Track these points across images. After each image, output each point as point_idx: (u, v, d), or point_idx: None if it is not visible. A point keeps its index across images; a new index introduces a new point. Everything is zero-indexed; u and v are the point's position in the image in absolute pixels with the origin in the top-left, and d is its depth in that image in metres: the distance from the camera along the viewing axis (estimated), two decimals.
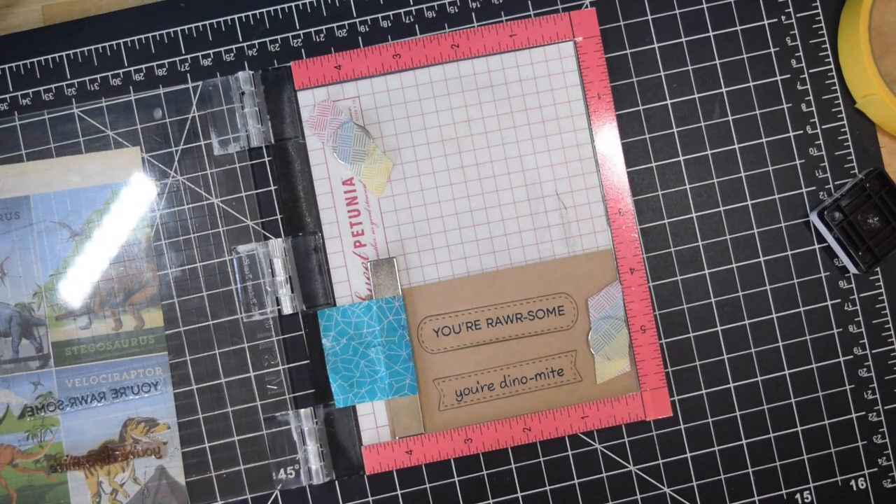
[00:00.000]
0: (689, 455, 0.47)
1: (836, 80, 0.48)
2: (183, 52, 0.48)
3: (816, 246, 0.48)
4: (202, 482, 0.46)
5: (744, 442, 0.47)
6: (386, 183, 0.47)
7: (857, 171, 0.48)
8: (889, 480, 0.48)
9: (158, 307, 0.47)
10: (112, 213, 0.47)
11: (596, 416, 0.46)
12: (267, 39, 0.48)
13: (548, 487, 0.47)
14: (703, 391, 0.48)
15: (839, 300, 0.48)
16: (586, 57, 0.47)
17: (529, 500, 0.47)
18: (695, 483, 0.47)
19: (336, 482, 0.47)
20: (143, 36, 0.48)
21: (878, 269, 0.48)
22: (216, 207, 0.47)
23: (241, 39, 0.48)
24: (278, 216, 0.47)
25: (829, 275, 0.48)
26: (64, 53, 0.48)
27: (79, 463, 0.46)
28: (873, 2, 0.46)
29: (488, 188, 0.47)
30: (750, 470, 0.47)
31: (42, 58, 0.48)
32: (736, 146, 0.48)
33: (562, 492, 0.47)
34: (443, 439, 0.46)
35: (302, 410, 0.46)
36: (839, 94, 0.48)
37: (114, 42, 0.48)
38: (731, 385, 0.48)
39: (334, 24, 0.48)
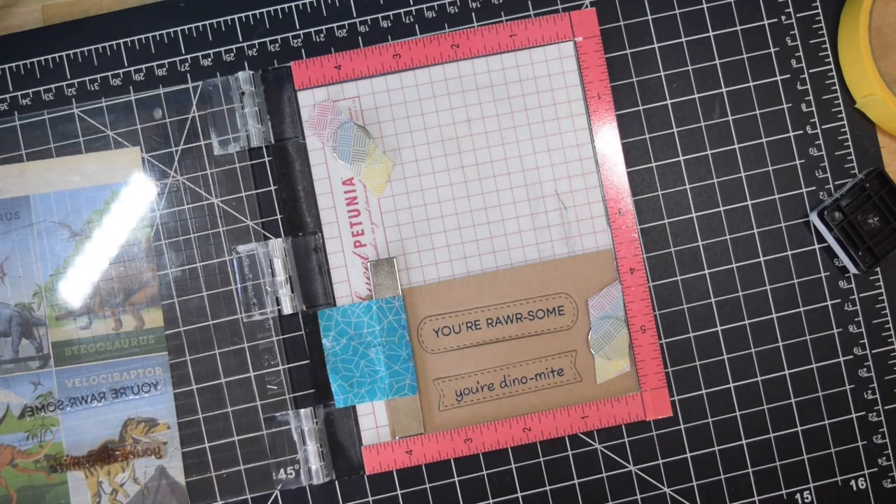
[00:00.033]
0: (689, 455, 0.47)
1: (836, 80, 0.48)
2: (183, 52, 0.48)
3: (816, 246, 0.48)
4: (202, 482, 0.46)
5: (744, 442, 0.47)
6: (386, 183, 0.47)
7: (857, 171, 0.48)
8: (889, 480, 0.48)
9: (158, 307, 0.47)
10: (112, 213, 0.47)
11: (596, 416, 0.46)
12: (267, 39, 0.48)
13: (548, 487, 0.47)
14: (703, 391, 0.48)
15: (839, 300, 0.48)
16: (586, 57, 0.47)
17: (529, 500, 0.47)
18: (695, 483, 0.47)
19: (336, 482, 0.47)
20: (143, 36, 0.48)
21: (878, 269, 0.48)
22: (216, 207, 0.47)
23: (241, 39, 0.48)
24: (278, 216, 0.47)
25: (829, 275, 0.48)
26: (64, 53, 0.48)
27: (79, 463, 0.46)
28: (873, 2, 0.46)
29: (488, 188, 0.47)
30: (750, 470, 0.47)
31: (42, 58, 0.48)
32: (736, 146, 0.48)
33: (562, 492, 0.47)
34: (443, 439, 0.46)
35: (302, 410, 0.46)
36: (839, 94, 0.48)
37: (114, 42, 0.48)
38: (731, 385, 0.48)
39: (334, 24, 0.48)
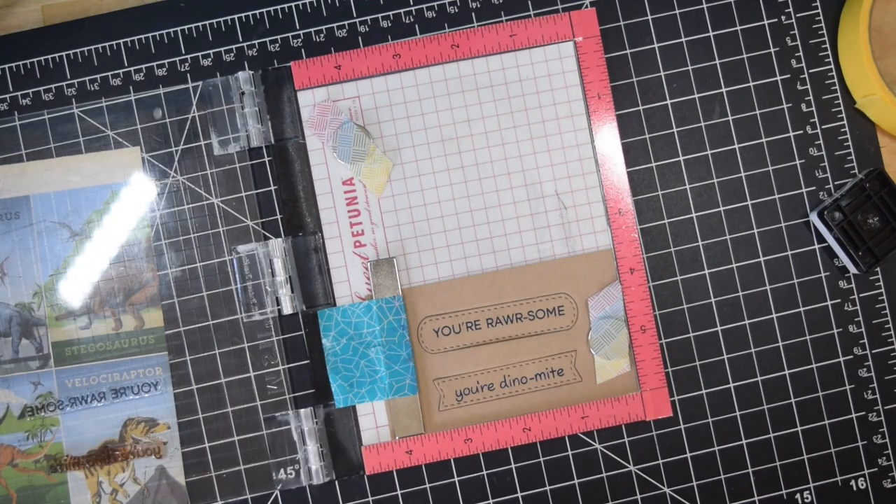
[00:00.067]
0: (689, 455, 0.47)
1: (836, 80, 0.48)
2: (183, 52, 0.48)
3: (816, 246, 0.48)
4: (202, 482, 0.46)
5: (744, 442, 0.47)
6: (386, 183, 0.47)
7: (857, 171, 0.48)
8: (889, 480, 0.48)
9: (158, 307, 0.47)
10: (112, 213, 0.47)
11: (596, 416, 0.46)
12: (267, 39, 0.48)
13: (548, 487, 0.47)
14: (703, 391, 0.48)
15: (839, 300, 0.48)
16: (586, 57, 0.47)
17: (529, 500, 0.47)
18: (695, 483, 0.47)
19: (336, 482, 0.47)
20: (143, 36, 0.48)
21: (878, 269, 0.48)
22: (216, 207, 0.47)
23: (241, 39, 0.48)
24: (278, 216, 0.47)
25: (829, 275, 0.48)
26: (64, 53, 0.48)
27: (79, 463, 0.46)
28: (873, 2, 0.46)
29: (488, 188, 0.47)
30: (750, 470, 0.47)
31: (42, 58, 0.48)
32: (736, 146, 0.48)
33: (562, 492, 0.47)
34: (443, 439, 0.46)
35: (302, 410, 0.46)
36: (839, 94, 0.48)
37: (114, 42, 0.48)
38: (731, 385, 0.48)
39: (334, 24, 0.48)
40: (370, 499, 0.47)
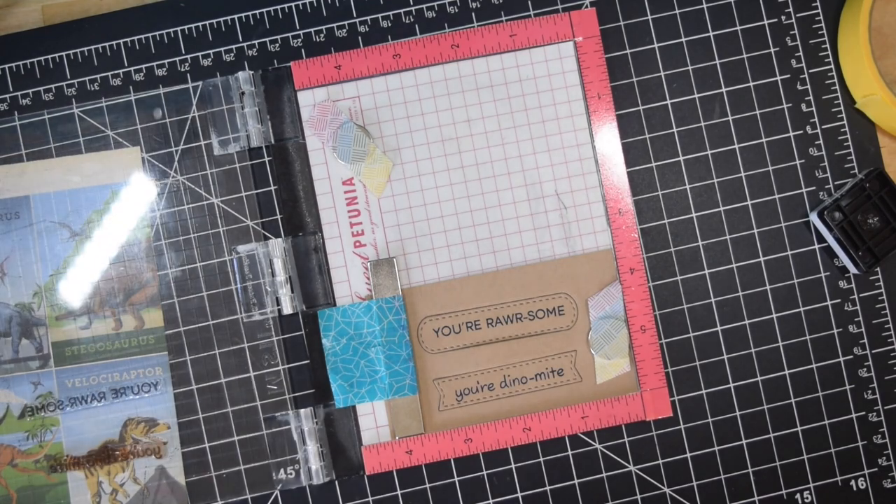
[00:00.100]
0: (689, 455, 0.47)
1: (836, 80, 0.48)
2: (183, 52, 0.48)
3: (816, 246, 0.48)
4: (202, 482, 0.46)
5: (744, 442, 0.47)
6: (386, 183, 0.47)
7: (857, 171, 0.48)
8: (889, 480, 0.48)
9: (158, 307, 0.47)
10: (112, 213, 0.47)
11: (596, 416, 0.46)
12: (267, 39, 0.48)
13: (548, 487, 0.47)
14: (703, 391, 0.48)
15: (839, 300, 0.48)
16: (586, 57, 0.47)
17: (529, 500, 0.47)
18: (695, 483, 0.47)
19: (336, 482, 0.47)
20: (143, 36, 0.48)
21: (878, 269, 0.48)
22: (216, 207, 0.47)
23: (241, 39, 0.48)
24: (278, 216, 0.47)
25: (829, 275, 0.48)
26: (64, 53, 0.48)
27: (79, 463, 0.46)
28: (873, 2, 0.46)
29: (488, 188, 0.47)
30: (750, 470, 0.47)
31: (42, 58, 0.48)
32: (736, 146, 0.48)
33: (562, 492, 0.47)
34: (443, 439, 0.46)
35: (302, 410, 0.46)
36: (839, 94, 0.48)
37: (114, 42, 0.48)
38: (731, 385, 0.48)
39: (334, 24, 0.48)
40: (370, 499, 0.47)
